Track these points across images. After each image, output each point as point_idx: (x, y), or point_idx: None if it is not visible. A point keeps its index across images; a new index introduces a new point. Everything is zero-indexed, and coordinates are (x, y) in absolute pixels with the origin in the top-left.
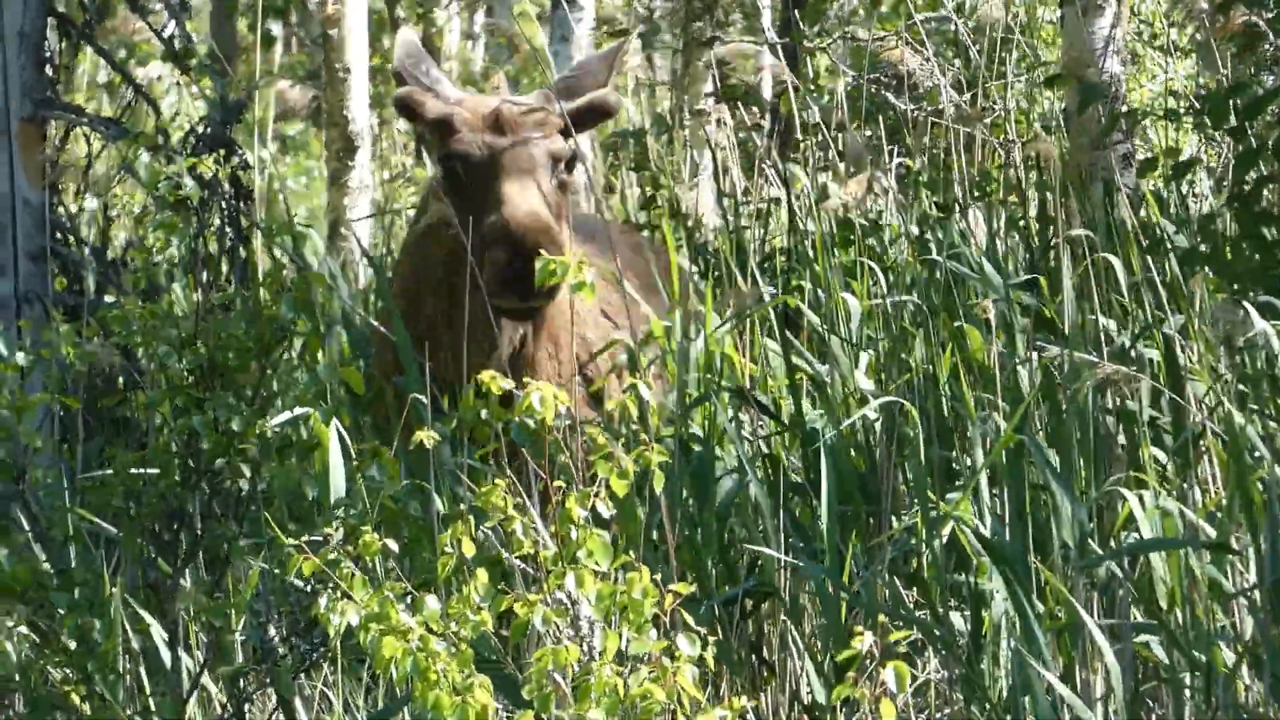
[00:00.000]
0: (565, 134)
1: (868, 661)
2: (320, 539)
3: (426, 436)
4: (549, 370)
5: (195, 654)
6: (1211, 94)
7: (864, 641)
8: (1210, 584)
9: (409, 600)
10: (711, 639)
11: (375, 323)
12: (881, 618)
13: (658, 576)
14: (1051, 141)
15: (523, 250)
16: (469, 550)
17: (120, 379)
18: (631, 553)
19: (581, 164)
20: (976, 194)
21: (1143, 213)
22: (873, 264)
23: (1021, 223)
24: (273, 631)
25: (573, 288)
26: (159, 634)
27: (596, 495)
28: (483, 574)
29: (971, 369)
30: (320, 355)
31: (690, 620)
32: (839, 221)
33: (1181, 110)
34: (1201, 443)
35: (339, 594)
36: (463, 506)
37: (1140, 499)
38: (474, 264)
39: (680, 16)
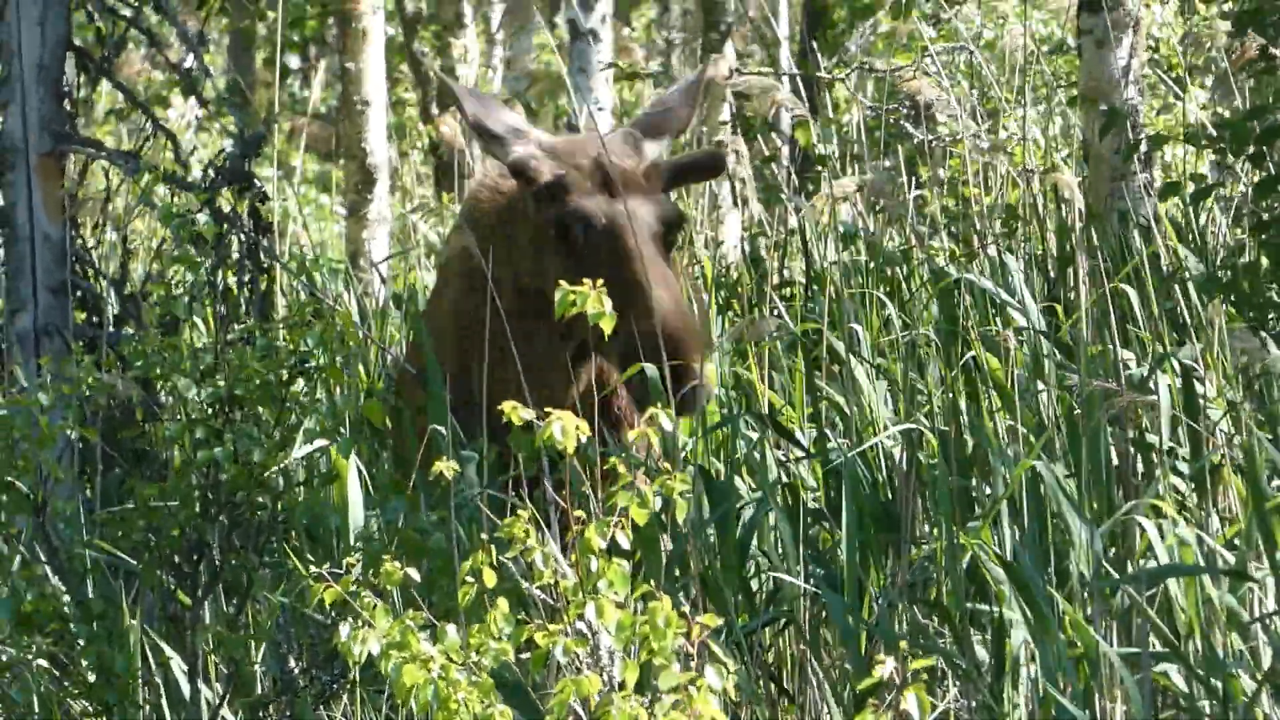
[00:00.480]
0: (666, 188)
1: (887, 693)
2: (340, 569)
3: (446, 467)
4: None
5: (215, 685)
6: (1229, 120)
7: (885, 668)
8: (1228, 612)
9: (430, 630)
10: (732, 667)
11: (396, 354)
12: (902, 644)
13: (685, 608)
14: (1069, 172)
15: (677, 364)
16: (490, 580)
17: (139, 411)
18: (651, 581)
19: (683, 226)
20: (1002, 226)
21: (1161, 241)
22: (884, 298)
23: (1039, 251)
24: (293, 663)
25: (594, 317)
26: (179, 666)
27: (617, 525)
28: (503, 603)
29: (990, 396)
30: (338, 389)
31: (720, 652)
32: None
33: (1200, 136)
34: (1219, 471)
35: (360, 623)
36: (483, 536)
37: (1159, 528)
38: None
39: (698, 48)
